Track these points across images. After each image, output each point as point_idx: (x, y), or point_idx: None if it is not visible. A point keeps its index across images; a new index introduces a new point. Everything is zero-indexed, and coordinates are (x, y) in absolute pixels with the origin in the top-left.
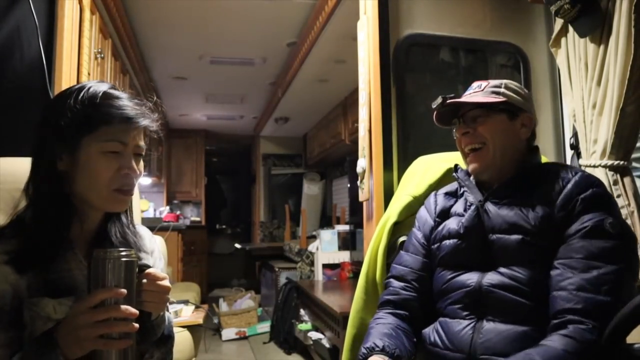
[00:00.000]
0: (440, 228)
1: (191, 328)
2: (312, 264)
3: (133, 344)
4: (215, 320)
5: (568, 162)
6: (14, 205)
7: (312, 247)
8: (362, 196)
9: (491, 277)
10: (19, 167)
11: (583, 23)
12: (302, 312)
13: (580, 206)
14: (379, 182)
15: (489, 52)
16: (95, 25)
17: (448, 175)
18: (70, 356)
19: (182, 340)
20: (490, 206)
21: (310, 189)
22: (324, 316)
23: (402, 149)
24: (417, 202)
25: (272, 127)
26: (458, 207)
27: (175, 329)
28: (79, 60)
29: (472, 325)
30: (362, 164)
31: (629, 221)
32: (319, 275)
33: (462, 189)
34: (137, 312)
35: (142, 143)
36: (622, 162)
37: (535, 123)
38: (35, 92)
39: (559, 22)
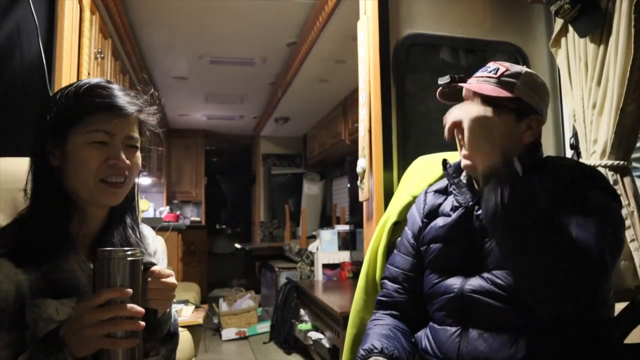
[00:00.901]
0: (427, 229)
1: (191, 328)
2: (312, 264)
3: (140, 342)
4: (215, 320)
5: None
6: (14, 205)
7: (312, 247)
8: (362, 196)
9: (473, 283)
10: (19, 167)
11: (583, 23)
12: (302, 312)
13: (582, 186)
14: (379, 182)
15: (489, 52)
16: (95, 25)
17: None
18: (78, 355)
19: (182, 340)
20: (479, 208)
21: (310, 189)
22: (324, 316)
23: (402, 149)
24: None
25: (272, 127)
26: (446, 206)
27: None
28: (79, 60)
29: (458, 333)
30: (362, 164)
31: (628, 221)
32: (319, 275)
33: (451, 187)
34: (143, 310)
35: (134, 134)
36: (622, 162)
37: (543, 123)
38: (35, 92)
39: (559, 22)
